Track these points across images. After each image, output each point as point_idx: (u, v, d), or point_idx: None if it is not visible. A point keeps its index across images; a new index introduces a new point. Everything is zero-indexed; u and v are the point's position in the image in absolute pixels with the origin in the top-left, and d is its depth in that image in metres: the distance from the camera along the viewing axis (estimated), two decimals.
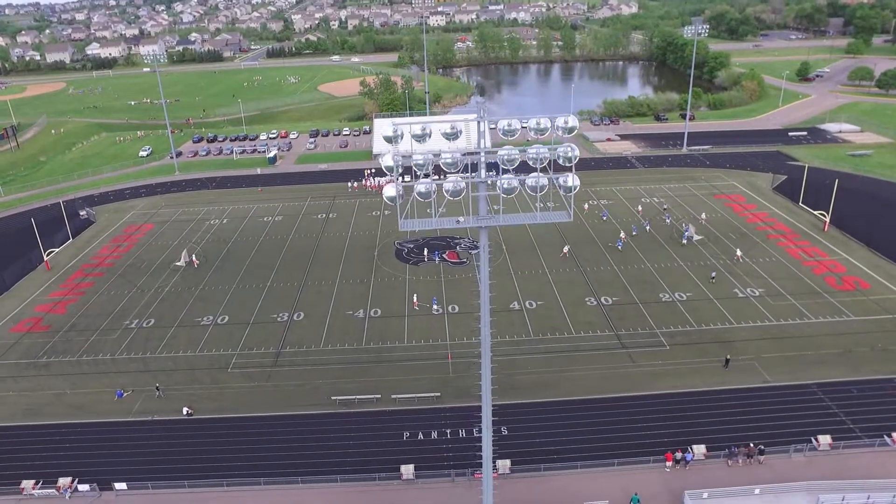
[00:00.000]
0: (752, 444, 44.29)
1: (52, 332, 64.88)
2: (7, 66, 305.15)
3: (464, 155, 19.92)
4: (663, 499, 41.56)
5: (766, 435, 46.19)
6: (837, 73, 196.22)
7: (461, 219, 21.50)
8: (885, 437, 45.21)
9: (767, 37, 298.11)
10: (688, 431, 47.10)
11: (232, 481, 44.11)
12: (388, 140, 19.50)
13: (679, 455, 44.08)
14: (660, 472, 43.83)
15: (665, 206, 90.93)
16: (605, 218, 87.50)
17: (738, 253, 74.91)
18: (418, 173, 20.29)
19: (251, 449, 47.39)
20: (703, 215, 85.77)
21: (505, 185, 19.65)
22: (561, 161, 19.17)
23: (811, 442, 45.07)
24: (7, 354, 61.42)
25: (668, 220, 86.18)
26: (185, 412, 51.26)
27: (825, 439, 44.88)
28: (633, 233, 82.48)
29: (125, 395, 54.20)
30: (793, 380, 52.43)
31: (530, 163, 19.53)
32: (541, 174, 18.97)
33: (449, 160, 19.46)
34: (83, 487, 43.64)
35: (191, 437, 49.05)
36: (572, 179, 19.29)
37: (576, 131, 20.15)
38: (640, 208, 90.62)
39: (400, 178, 20.65)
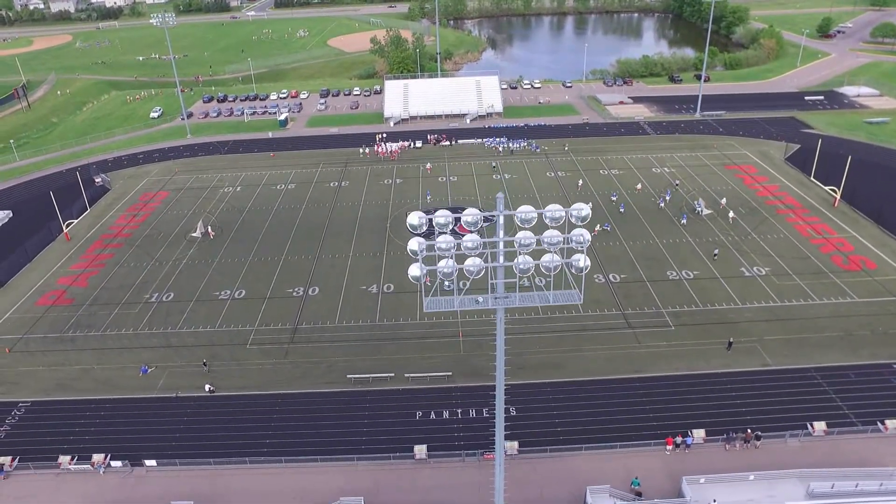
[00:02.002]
0: (749, 430, 46.27)
1: (75, 306, 67.19)
2: (11, 15, 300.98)
3: (483, 243, 21.08)
4: (663, 482, 43.84)
5: (764, 419, 48.15)
6: (860, 29, 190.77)
7: (480, 298, 22.75)
8: (877, 423, 47.04)
9: None
10: (689, 415, 49.12)
11: (254, 459, 46.78)
12: (414, 229, 20.56)
13: (679, 440, 46.18)
14: (660, 455, 46.05)
15: (677, 182, 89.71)
16: (621, 208, 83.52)
17: (731, 214, 77.86)
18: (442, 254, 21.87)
19: (272, 426, 49.97)
20: (724, 200, 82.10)
21: (521, 266, 20.83)
22: (574, 245, 20.28)
23: (807, 427, 46.97)
24: (35, 328, 63.93)
25: (667, 197, 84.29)
26: (207, 389, 53.75)
27: (820, 426, 46.75)
28: (621, 210, 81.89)
29: (149, 370, 56.72)
30: (793, 363, 54.06)
31: (545, 246, 20.65)
32: (555, 255, 20.11)
33: (470, 245, 20.59)
34: (116, 463, 46.47)
35: (214, 414, 51.61)
36: (583, 261, 20.41)
37: (589, 216, 21.28)
38: (639, 186, 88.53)
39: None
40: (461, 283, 22.05)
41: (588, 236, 20.34)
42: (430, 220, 21.15)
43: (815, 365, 53.72)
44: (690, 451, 46.14)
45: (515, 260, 20.65)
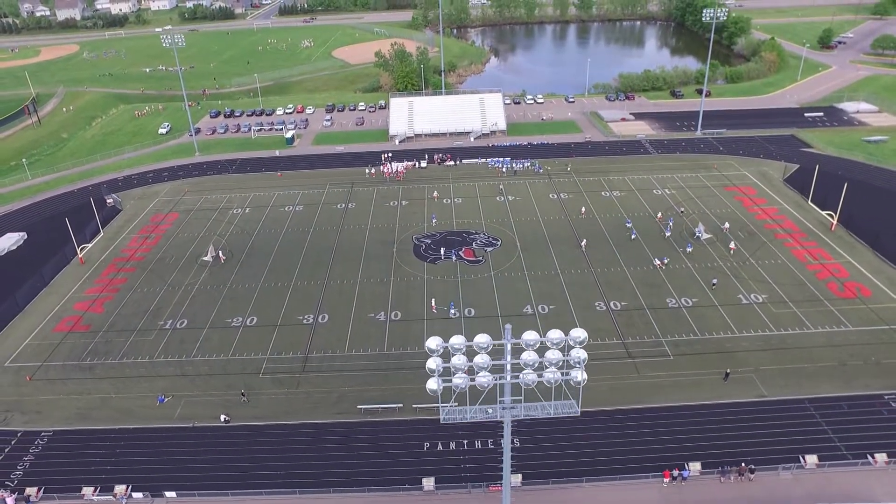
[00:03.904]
0: (743, 464, 48.18)
1: (92, 333, 69.29)
2: (18, 23, 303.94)
3: (492, 368, 23.30)
4: None
5: (759, 451, 49.99)
6: (861, 39, 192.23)
7: (490, 409, 24.90)
8: (867, 457, 48.88)
9: None
10: (686, 446, 51.01)
11: (270, 490, 48.83)
12: (432, 352, 22.71)
13: (676, 473, 48.09)
14: (658, 488, 47.96)
15: (682, 209, 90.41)
16: (633, 235, 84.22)
17: (732, 245, 79.22)
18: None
19: (286, 457, 51.96)
20: (726, 224, 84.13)
21: (527, 380, 23.00)
22: (571, 363, 22.41)
23: (800, 461, 48.82)
24: (54, 356, 66.04)
25: (670, 223, 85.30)
26: (222, 419, 55.81)
27: (812, 459, 48.62)
28: (632, 237, 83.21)
29: (166, 400, 58.81)
30: (788, 394, 55.88)
31: (546, 364, 22.80)
32: (555, 370, 22.29)
33: (481, 362, 22.72)
34: (137, 495, 48.57)
35: (229, 444, 53.64)
36: (581, 374, 22.56)
37: (586, 340, 23.55)
38: (660, 215, 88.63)
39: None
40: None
41: (585, 355, 22.85)
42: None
43: (809, 396, 55.55)
44: (687, 484, 48.04)
45: (520, 377, 22.83)
